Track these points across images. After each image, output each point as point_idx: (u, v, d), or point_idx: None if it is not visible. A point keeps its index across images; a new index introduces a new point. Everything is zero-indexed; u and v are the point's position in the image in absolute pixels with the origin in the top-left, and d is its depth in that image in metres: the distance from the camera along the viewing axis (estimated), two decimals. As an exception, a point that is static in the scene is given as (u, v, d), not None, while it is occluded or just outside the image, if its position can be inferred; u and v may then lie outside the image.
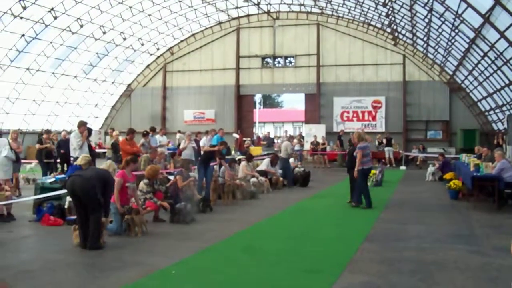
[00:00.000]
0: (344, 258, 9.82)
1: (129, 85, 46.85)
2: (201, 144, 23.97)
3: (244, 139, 35.80)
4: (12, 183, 17.15)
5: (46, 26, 32.42)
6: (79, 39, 36.54)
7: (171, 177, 17.14)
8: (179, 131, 37.86)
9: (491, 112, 33.93)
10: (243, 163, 21.67)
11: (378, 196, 19.28)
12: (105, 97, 45.47)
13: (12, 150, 17.21)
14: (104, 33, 37.38)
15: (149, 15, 38.64)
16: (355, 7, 37.88)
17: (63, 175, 16.45)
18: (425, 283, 8.24)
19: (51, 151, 21.21)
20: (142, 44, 42.71)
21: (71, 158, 16.84)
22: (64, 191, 14.06)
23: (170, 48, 45.90)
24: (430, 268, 9.17)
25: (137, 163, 13.97)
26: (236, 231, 12.75)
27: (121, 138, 20.44)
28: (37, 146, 21.40)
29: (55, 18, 32.12)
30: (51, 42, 34.43)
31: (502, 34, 20.55)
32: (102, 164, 11.52)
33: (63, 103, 40.77)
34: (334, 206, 17.21)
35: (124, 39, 39.94)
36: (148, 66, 46.46)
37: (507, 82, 25.08)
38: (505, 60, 22.94)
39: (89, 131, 17.78)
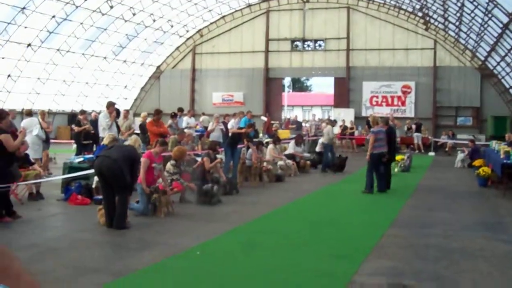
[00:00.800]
0: (369, 243, 9.78)
1: (158, 67, 46.94)
2: (229, 126, 23.98)
3: (272, 122, 35.73)
4: (42, 162, 17.31)
5: (77, 7, 32.57)
6: (109, 20, 36.68)
7: (199, 159, 17.19)
8: (203, 114, 37.81)
9: (524, 99, 33.46)
10: (271, 146, 21.67)
11: (406, 182, 19.21)
12: (134, 78, 45.66)
13: (42, 129, 17.38)
14: (134, 14, 37.46)
15: (179, -4, 38.71)
16: (387, -10, 37.54)
17: (91, 155, 16.59)
18: (449, 270, 8.18)
19: (89, 131, 21.04)
20: (172, 26, 42.71)
21: (100, 138, 16.97)
22: (91, 171, 14.21)
23: (200, 30, 45.86)
24: (455, 255, 9.10)
25: (165, 147, 14.00)
26: (262, 213, 12.78)
27: (149, 120, 20.47)
28: (75, 128, 20.97)
29: (85, -1, 32.32)
30: (81, 23, 34.64)
31: (536, 19, 20.22)
32: (128, 140, 11.57)
33: (93, 84, 41.06)
34: (361, 191, 17.12)
35: (154, 20, 39.99)
36: (177, 48, 46.47)
37: (540, 68, 24.70)
38: (539, 46, 22.58)
39: (118, 112, 17.91)
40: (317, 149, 26.40)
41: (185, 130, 20.60)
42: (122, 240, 9.72)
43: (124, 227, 10.45)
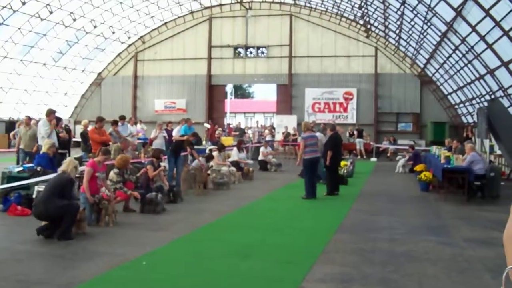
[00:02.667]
0: (316, 249, 9.80)
1: (99, 74, 46.37)
2: (173, 134, 23.81)
3: (217, 128, 35.65)
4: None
5: (14, 11, 31.90)
6: (49, 25, 36.03)
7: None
8: (141, 121, 37.38)
9: (461, 105, 34.24)
10: (215, 153, 21.59)
11: (350, 187, 19.42)
12: (75, 85, 45.00)
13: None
14: (74, 20, 36.91)
15: (121, 2, 38.29)
16: (328, -1, 37.97)
17: (31, 164, 16.19)
18: (397, 274, 8.25)
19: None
20: (113, 32, 42.28)
21: (39, 146, 16.56)
22: (32, 180, 13.87)
23: (142, 36, 45.55)
24: (402, 259, 9.21)
25: (108, 155, 13.75)
26: (207, 221, 12.67)
27: (90, 127, 20.08)
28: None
29: (24, 3, 31.62)
30: (19, 28, 33.96)
31: (473, 28, 20.70)
32: (63, 165, 11.24)
33: (32, 91, 40.25)
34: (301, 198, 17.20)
35: (95, 26, 39.49)
36: (119, 54, 46.02)
37: (477, 75, 25.29)
38: (476, 54, 23.11)
39: (58, 120, 17.53)
40: (260, 157, 26.49)
41: (127, 138, 20.31)
42: (66, 251, 9.45)
43: (68, 238, 10.19)
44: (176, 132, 23.81)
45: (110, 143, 18.35)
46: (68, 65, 41.97)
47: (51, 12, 34.18)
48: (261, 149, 27.27)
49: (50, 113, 16.97)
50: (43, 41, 37.12)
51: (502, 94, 22.60)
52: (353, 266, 8.66)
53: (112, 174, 13.67)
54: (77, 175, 12.90)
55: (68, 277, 7.87)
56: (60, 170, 11.07)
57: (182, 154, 19.27)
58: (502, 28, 18.38)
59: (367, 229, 11.86)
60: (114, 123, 20.99)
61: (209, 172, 18.91)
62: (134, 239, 10.62)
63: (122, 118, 22.62)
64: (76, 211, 10.51)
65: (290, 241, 10.68)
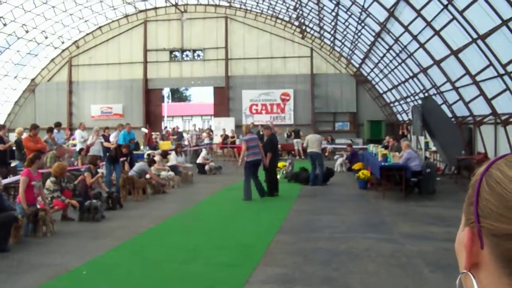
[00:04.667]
0: (259, 251, 9.84)
1: (33, 80, 45.33)
2: (110, 139, 23.53)
3: (153, 133, 35.40)
4: None
5: None
6: (-22, 31, 35.12)
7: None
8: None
9: (396, 103, 34.87)
10: (157, 158, 21.43)
11: (289, 188, 19.55)
12: (7, 92, 43.82)
13: None
14: (5, 25, 35.96)
15: (53, 7, 37.50)
16: (263, 0, 38.15)
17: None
18: (339, 272, 8.35)
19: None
20: (46, 37, 41.40)
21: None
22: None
23: (76, 41, 44.77)
24: (343, 257, 9.32)
25: (42, 160, 13.46)
26: (148, 227, 12.56)
27: (25, 135, 19.57)
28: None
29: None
30: None
31: (406, 28, 21.11)
32: None
33: (-38, 98, 39.16)
34: (241, 199, 17.25)
35: (27, 31, 38.58)
36: (52, 60, 45.09)
37: (411, 74, 25.83)
38: (409, 53, 23.60)
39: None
40: (198, 160, 26.43)
41: (63, 145, 19.94)
42: (2, 263, 9.18)
43: (4, 250, 9.93)
44: (114, 138, 23.56)
45: (46, 150, 17.98)
46: (0, 72, 40.91)
47: (-20, 18, 33.34)
48: (203, 153, 27.19)
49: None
50: (-28, 48, 36.17)
51: (435, 92, 23.16)
52: (296, 267, 8.71)
53: (48, 183, 13.41)
54: (12, 185, 12.61)
55: (6, 290, 7.69)
56: None
57: (120, 160, 19.10)
58: (433, 28, 18.81)
59: (308, 229, 11.95)
60: (50, 130, 20.58)
61: (147, 176, 18.75)
62: (73, 248, 10.42)
63: (58, 125, 22.17)
64: (12, 222, 10.26)
65: (232, 244, 10.66)
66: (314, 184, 20.79)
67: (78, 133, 23.99)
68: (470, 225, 1.07)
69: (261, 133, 29.51)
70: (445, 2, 16.68)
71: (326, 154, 35.06)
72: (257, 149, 17.22)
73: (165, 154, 22.46)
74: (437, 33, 18.75)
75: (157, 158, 21.39)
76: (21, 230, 10.67)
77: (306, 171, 22.16)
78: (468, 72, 18.18)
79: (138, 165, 19.13)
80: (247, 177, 16.96)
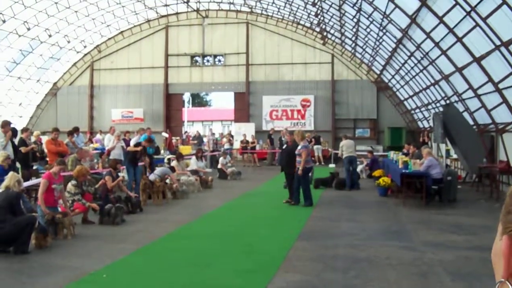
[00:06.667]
0: (278, 257, 9.79)
1: (55, 84, 45.68)
2: (131, 143, 23.60)
3: (173, 138, 35.48)
4: None
5: (-35, 21, 31.29)
6: (2, 35, 35.32)
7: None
8: (101, 131, 36.93)
9: (417, 110, 34.65)
10: (174, 162, 21.49)
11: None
12: (30, 95, 44.19)
13: None
14: (29, 29, 36.28)
15: (76, 11, 37.76)
16: (285, 6, 38.12)
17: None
18: (359, 280, 8.30)
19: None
20: (69, 42, 41.72)
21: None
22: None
23: (98, 46, 45.04)
24: (363, 264, 9.26)
25: (63, 166, 13.51)
26: (167, 231, 12.58)
27: (45, 138, 19.68)
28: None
29: (-25, 13, 31.06)
30: (-30, 38, 33.30)
31: (428, 35, 20.99)
32: (5, 180, 10.93)
33: (-15, 102, 39.51)
34: (266, 205, 17.28)
35: (50, 36, 38.89)
36: (74, 64, 45.41)
37: (432, 81, 25.67)
38: (430, 60, 23.46)
39: (14, 131, 17.19)
40: (219, 165, 26.44)
41: (83, 148, 20.05)
42: (22, 265, 9.26)
43: (25, 252, 9.99)
44: (134, 142, 23.64)
45: (67, 154, 18.09)
46: (23, 75, 41.21)
47: (4, 21, 33.56)
48: (220, 159, 27.19)
49: (6, 124, 16.63)
50: (-4, 51, 36.48)
51: (457, 99, 22.99)
52: (315, 274, 8.67)
53: (70, 186, 13.49)
54: (34, 187, 12.67)
55: (26, 292, 7.73)
56: (2, 186, 10.81)
57: (140, 164, 19.16)
58: (455, 35, 18.69)
59: (327, 236, 11.90)
60: (70, 133, 20.70)
61: (167, 181, 18.80)
62: (93, 251, 10.47)
63: (76, 129, 22.22)
64: (33, 224, 10.32)
65: (251, 250, 10.65)
66: (352, 188, 21.19)
67: (107, 137, 24.16)
68: (508, 233, 1.04)
69: (283, 139, 29.51)
70: (468, 9, 16.56)
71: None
72: (309, 157, 17.25)
73: (179, 156, 22.42)
74: (459, 40, 18.62)
75: (174, 163, 21.44)
76: (48, 237, 10.72)
77: (334, 176, 22.25)
78: (490, 80, 18.02)
79: (160, 169, 19.20)
80: (303, 183, 16.95)
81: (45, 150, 19.35)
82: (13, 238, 10.01)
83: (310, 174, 23.20)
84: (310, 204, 16.69)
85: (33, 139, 21.02)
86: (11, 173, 11.70)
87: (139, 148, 19.06)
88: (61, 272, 8.82)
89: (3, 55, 37.36)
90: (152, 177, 18.19)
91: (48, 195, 11.97)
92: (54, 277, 8.49)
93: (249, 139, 36.77)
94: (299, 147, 16.75)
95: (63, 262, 9.54)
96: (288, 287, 7.95)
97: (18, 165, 17.36)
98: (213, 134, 39.92)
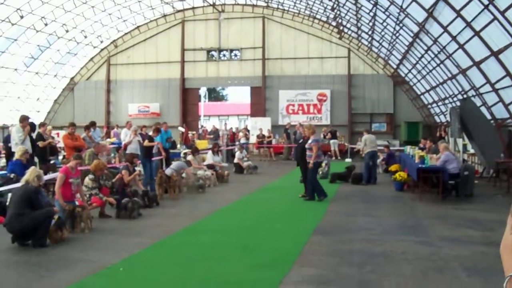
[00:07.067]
0: (293, 252, 9.80)
1: (72, 79, 45.94)
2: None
3: (189, 132, 35.56)
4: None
5: (-16, 17, 31.50)
6: (20, 30, 35.56)
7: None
8: (118, 126, 37.12)
9: (434, 105, 34.49)
10: (190, 157, 21.52)
11: (325, 188, 19.39)
12: (47, 90, 44.46)
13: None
14: (46, 24, 36.49)
15: (93, 7, 37.95)
16: (301, 1, 38.07)
17: (4, 172, 16.03)
18: (375, 274, 8.29)
19: (54, 146, 19.73)
20: (85, 37, 41.93)
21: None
22: (5, 187, 13.72)
23: (114, 40, 45.24)
24: (379, 259, 9.24)
25: (80, 160, 13.58)
26: (184, 226, 12.62)
27: (60, 133, 19.84)
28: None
29: (-6, 9, 31.25)
30: (-11, 34, 33.52)
31: (445, 29, 20.86)
32: (26, 174, 11.01)
33: (3, 97, 39.69)
34: (282, 199, 17.29)
35: (67, 31, 39.11)
36: (91, 59, 45.66)
37: (449, 75, 25.51)
38: (447, 54, 23.32)
39: (32, 125, 17.33)
40: (235, 160, 26.48)
41: (100, 142, 20.16)
42: (41, 259, 9.34)
43: (43, 245, 10.08)
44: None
45: (84, 148, 18.20)
46: (40, 70, 41.48)
47: (21, 17, 33.76)
48: (236, 154, 27.22)
49: (24, 119, 16.78)
50: (14, 46, 36.63)
51: (474, 94, 22.84)
52: (331, 268, 8.67)
53: (87, 180, 13.58)
54: (51, 182, 12.77)
55: (44, 285, 7.80)
56: (23, 180, 10.91)
57: (157, 158, 19.24)
58: (473, 29, 18.57)
59: (343, 230, 11.89)
60: (87, 128, 20.81)
61: (183, 175, 18.87)
62: (110, 245, 10.54)
63: (93, 124, 22.31)
64: (51, 218, 10.41)
65: (267, 244, 10.67)
66: (368, 183, 21.31)
67: (124, 132, 24.28)
68: None
69: (298, 132, 29.51)
70: (486, 2, 16.44)
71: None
72: (320, 151, 17.27)
73: (195, 150, 22.44)
74: (477, 33, 18.49)
75: (189, 157, 21.48)
76: (64, 230, 10.79)
77: (351, 171, 22.25)
78: (508, 74, 17.88)
79: (176, 163, 19.26)
80: (314, 176, 16.95)
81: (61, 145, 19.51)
82: (31, 231, 10.11)
83: (326, 168, 23.42)
84: (324, 196, 16.70)
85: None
86: (32, 167, 11.82)
87: (156, 143, 19.16)
88: (78, 265, 8.89)
89: (21, 51, 37.63)
90: (168, 171, 18.24)
91: (65, 189, 12.07)
92: (71, 270, 8.56)
93: (265, 133, 36.75)
94: (309, 141, 16.71)
95: (81, 255, 9.61)
96: (303, 281, 7.96)
97: (36, 159, 17.54)
98: (228, 129, 39.91)
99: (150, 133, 20.06)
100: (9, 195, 12.97)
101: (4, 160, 21.14)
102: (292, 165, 26.28)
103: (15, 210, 10.22)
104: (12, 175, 14.73)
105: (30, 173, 10.84)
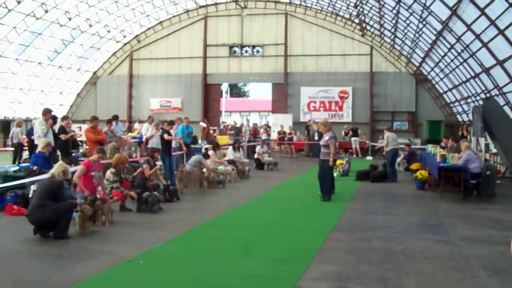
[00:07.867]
0: (313, 248, 9.80)
1: (94, 73, 46.25)
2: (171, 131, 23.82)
3: (210, 128, 35.65)
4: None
5: (9, 10, 31.75)
6: (44, 24, 35.88)
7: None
8: (140, 120, 37.35)
9: (456, 103, 34.22)
10: (211, 152, 21.58)
11: (346, 186, 19.41)
12: (70, 84, 44.81)
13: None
14: (70, 19, 36.78)
15: (116, 1, 38.19)
16: (324, -2, 37.99)
17: (27, 164, 16.18)
18: (394, 273, 8.26)
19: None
20: (109, 31, 42.18)
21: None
22: (28, 180, 13.86)
23: (137, 35, 45.45)
24: (399, 257, 9.21)
25: (102, 154, 13.65)
26: (204, 220, 12.67)
27: (82, 127, 19.99)
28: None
29: (19, 2, 31.48)
30: (14, 27, 33.79)
31: (468, 27, 20.70)
32: (53, 168, 11.14)
33: (27, 90, 40.08)
34: (302, 196, 17.27)
35: (90, 25, 39.38)
36: (114, 53, 45.92)
37: (472, 74, 25.29)
38: (471, 53, 23.11)
39: (54, 119, 17.48)
40: (256, 156, 26.49)
41: (122, 136, 20.25)
42: (62, 250, 9.44)
43: (64, 237, 10.19)
44: (172, 131, 23.80)
45: (106, 142, 18.31)
46: (64, 64, 41.82)
47: (46, 11, 34.05)
48: (257, 148, 27.24)
49: (47, 112, 16.94)
50: (38, 40, 36.97)
51: (497, 93, 22.61)
52: (350, 265, 8.66)
53: (109, 174, 13.68)
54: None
55: (65, 276, 7.87)
56: (49, 173, 11.04)
57: (178, 153, 19.29)
58: (497, 27, 18.40)
59: (363, 228, 11.88)
60: (109, 122, 20.93)
61: (204, 170, 18.93)
62: (131, 238, 10.62)
63: (116, 118, 22.41)
64: (72, 210, 10.53)
65: (286, 240, 10.68)
66: (388, 180, 21.42)
67: (145, 126, 24.39)
68: None
69: (314, 129, 29.48)
70: (511, 1, 16.29)
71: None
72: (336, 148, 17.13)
73: (216, 146, 22.45)
74: (501, 32, 18.32)
75: (210, 152, 21.54)
76: (87, 222, 10.90)
77: (375, 169, 22.22)
78: (533, 73, 17.74)
79: (194, 158, 19.33)
80: (330, 175, 16.86)
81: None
82: (52, 223, 10.21)
83: (347, 166, 23.35)
84: (328, 197, 16.40)
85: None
86: (60, 162, 11.95)
87: (178, 138, 19.23)
88: (99, 257, 8.98)
89: (45, 45, 37.98)
90: (187, 167, 18.34)
91: (87, 182, 12.20)
92: (92, 262, 8.64)
93: (286, 130, 36.72)
94: (325, 138, 16.45)
95: (101, 247, 9.69)
96: (322, 278, 7.96)
97: (58, 152, 17.71)
98: (250, 125, 39.92)
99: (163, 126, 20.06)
100: (32, 187, 13.12)
101: (27, 152, 21.45)
102: (313, 162, 26.27)
103: (37, 201, 10.35)
104: (35, 167, 14.88)
105: (57, 167, 10.98)
